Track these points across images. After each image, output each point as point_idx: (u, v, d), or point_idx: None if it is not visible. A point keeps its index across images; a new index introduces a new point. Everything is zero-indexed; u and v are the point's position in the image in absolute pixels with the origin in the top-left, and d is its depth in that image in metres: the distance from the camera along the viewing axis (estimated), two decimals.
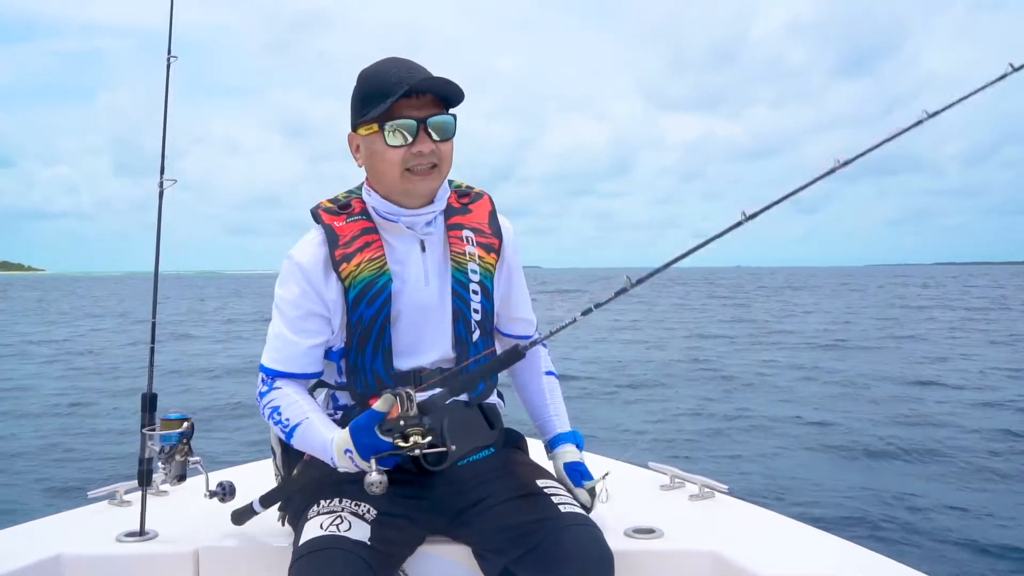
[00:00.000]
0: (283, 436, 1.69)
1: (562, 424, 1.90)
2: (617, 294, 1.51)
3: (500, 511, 1.66)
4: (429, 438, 1.47)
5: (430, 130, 1.64)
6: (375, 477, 1.45)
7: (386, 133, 1.64)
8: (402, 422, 1.46)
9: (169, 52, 2.02)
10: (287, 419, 1.66)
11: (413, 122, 1.63)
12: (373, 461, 1.48)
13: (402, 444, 1.46)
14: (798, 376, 11.51)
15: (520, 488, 1.70)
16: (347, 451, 1.52)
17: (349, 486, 1.65)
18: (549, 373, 1.95)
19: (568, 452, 1.83)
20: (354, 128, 1.71)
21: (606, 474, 1.77)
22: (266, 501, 1.76)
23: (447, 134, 1.67)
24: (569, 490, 1.74)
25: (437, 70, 1.66)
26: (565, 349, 14.25)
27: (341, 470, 1.58)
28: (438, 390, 1.57)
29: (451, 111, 1.68)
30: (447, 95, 1.66)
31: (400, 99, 1.61)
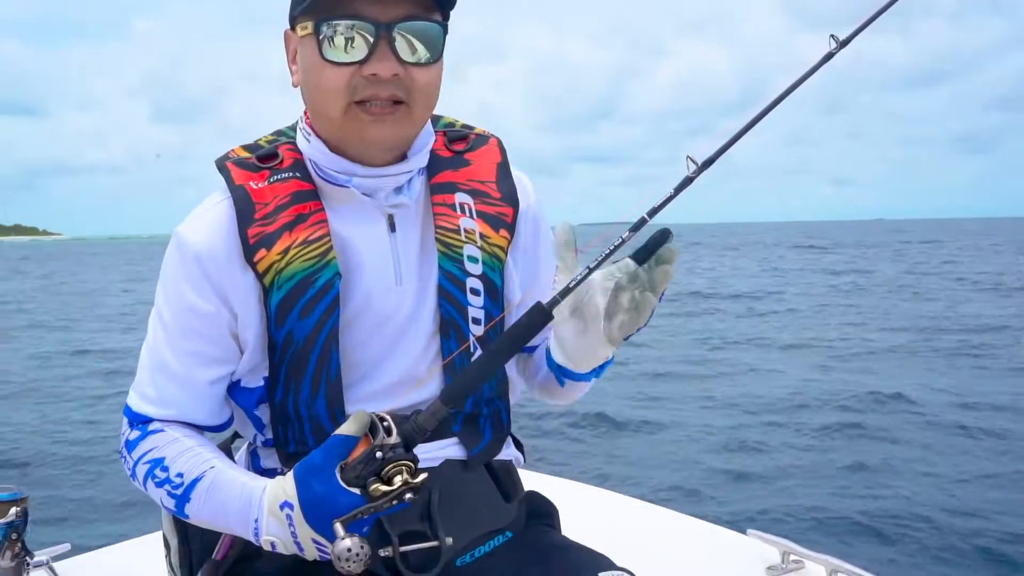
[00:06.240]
0: (171, 503, 1.09)
1: None
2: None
3: None
4: (422, 477, 0.95)
5: (397, 43, 1.04)
6: (346, 543, 0.93)
7: (322, 39, 1.03)
8: (379, 453, 0.94)
9: None
10: (178, 473, 1.07)
11: (370, 25, 1.02)
12: (338, 525, 0.94)
13: (383, 488, 0.94)
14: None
15: None
16: (285, 506, 0.97)
17: None
18: None
19: None
20: (291, 23, 1.10)
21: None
22: None
23: (429, 53, 1.06)
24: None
25: None
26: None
27: (271, 547, 1.01)
28: (424, 406, 1.00)
29: (439, 17, 1.07)
30: None
31: None
